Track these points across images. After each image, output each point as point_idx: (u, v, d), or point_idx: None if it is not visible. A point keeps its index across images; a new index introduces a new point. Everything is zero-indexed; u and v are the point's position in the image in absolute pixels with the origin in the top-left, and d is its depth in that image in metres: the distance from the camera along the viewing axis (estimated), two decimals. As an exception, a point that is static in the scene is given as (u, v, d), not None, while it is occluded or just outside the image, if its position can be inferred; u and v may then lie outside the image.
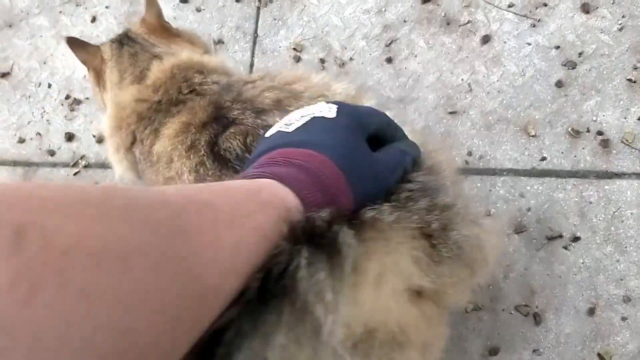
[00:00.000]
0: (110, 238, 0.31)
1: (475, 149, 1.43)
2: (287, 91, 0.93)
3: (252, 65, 1.60)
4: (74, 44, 1.14)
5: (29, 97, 1.71)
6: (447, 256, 0.61)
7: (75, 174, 1.60)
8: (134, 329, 0.31)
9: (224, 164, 0.88)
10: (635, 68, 1.38)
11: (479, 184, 1.40)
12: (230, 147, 0.88)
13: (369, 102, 0.95)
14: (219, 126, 0.91)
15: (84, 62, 1.16)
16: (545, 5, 1.48)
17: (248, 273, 0.40)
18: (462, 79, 1.48)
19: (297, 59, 1.58)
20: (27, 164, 1.65)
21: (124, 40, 1.11)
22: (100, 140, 1.62)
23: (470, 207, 0.73)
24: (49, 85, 1.70)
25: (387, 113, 0.64)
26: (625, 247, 1.28)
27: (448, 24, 1.53)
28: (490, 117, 1.44)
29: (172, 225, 0.36)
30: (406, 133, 0.66)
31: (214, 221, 0.39)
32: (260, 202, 0.44)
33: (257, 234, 0.42)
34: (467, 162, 1.42)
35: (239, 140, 0.87)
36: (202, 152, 0.90)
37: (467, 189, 1.39)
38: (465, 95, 1.47)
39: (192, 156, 0.90)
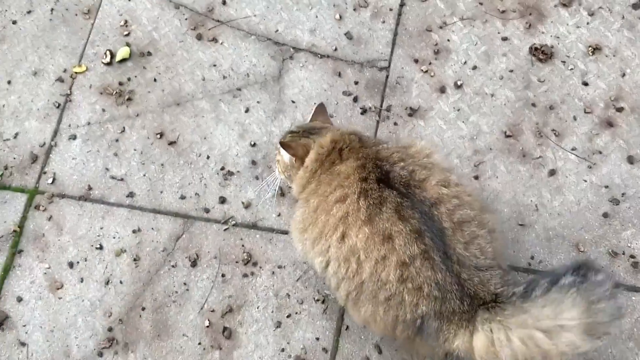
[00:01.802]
0: None
1: (536, 256, 1.91)
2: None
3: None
4: (286, 145, 1.64)
5: (191, 163, 2.21)
6: None
7: (225, 229, 2.09)
8: None
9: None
10: (663, 213, 1.89)
11: (537, 282, 1.88)
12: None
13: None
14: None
15: (294, 155, 1.65)
16: (600, 153, 1.99)
17: None
18: (531, 200, 1.98)
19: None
20: (186, 216, 2.14)
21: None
22: (246, 206, 2.11)
23: None
24: (208, 157, 2.21)
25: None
26: (643, 345, 1.77)
27: (524, 156, 2.03)
28: (550, 232, 1.93)
29: None
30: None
31: None
32: None
33: None
34: (529, 265, 1.91)
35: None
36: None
37: (527, 283, 1.88)
38: (532, 213, 1.96)
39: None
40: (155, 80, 2.33)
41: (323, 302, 1.94)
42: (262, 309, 1.97)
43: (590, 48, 2.11)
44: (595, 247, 1.88)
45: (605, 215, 1.91)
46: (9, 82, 2.38)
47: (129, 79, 2.34)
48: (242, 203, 2.10)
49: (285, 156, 1.71)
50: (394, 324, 1.44)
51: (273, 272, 2.00)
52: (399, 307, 1.39)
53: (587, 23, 2.15)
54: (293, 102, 2.21)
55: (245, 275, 2.01)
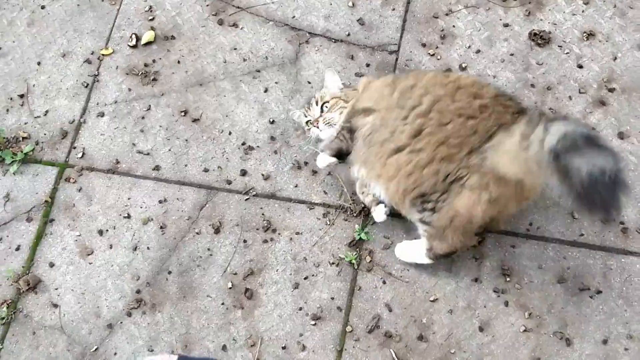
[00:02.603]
0: None
1: (534, 222, 2.08)
2: None
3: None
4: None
5: (213, 139, 2.36)
6: None
7: (246, 199, 2.25)
8: None
9: None
10: (650, 183, 2.06)
11: (535, 247, 2.05)
12: None
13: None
14: None
15: None
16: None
17: None
18: (531, 172, 2.14)
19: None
20: (209, 187, 2.29)
21: None
22: (266, 178, 2.27)
23: None
24: (230, 133, 2.36)
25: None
26: (632, 301, 1.94)
27: (524, 132, 2.19)
28: (547, 201, 2.10)
29: None
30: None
31: None
32: None
33: None
34: (528, 230, 2.08)
35: None
36: None
37: (524, 249, 2.05)
38: (531, 184, 2.13)
39: None
40: (179, 62, 2.48)
41: (337, 265, 2.10)
42: (281, 271, 2.12)
43: (584, 34, 2.28)
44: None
45: (597, 185, 2.07)
46: (38, 64, 2.53)
47: (154, 61, 2.50)
48: (262, 175, 2.26)
49: None
50: None
51: (291, 238, 2.16)
52: None
53: (582, 11, 2.32)
54: (309, 82, 2.37)
55: (265, 241, 2.17)
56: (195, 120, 2.37)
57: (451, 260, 2.05)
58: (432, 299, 2.01)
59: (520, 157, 1.51)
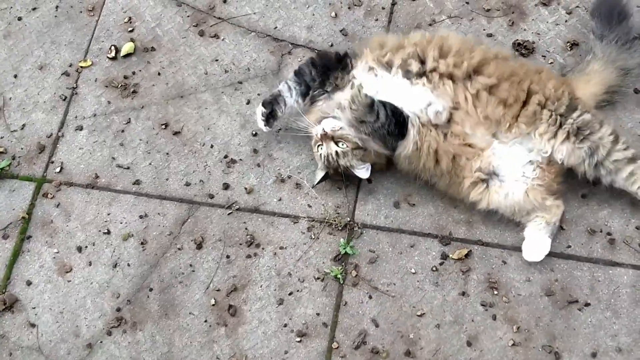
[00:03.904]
0: None
1: (521, 234, 2.05)
2: None
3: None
4: None
5: (195, 152, 2.32)
6: None
7: (229, 214, 2.21)
8: None
9: None
10: (636, 193, 2.04)
11: (522, 259, 2.02)
12: None
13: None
14: None
15: None
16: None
17: None
18: (516, 183, 2.12)
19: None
20: (191, 202, 2.24)
21: None
22: (249, 192, 2.22)
23: None
24: (211, 146, 2.32)
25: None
26: (620, 314, 1.91)
27: (509, 142, 2.17)
28: (534, 213, 2.07)
29: None
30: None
31: None
32: None
33: None
34: (515, 243, 2.05)
35: None
36: None
37: (512, 261, 2.02)
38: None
39: None
40: (159, 74, 2.44)
41: (323, 280, 2.06)
42: (265, 287, 2.08)
43: (568, 43, 2.27)
44: (574, 225, 2.03)
45: (583, 196, 2.06)
46: (15, 76, 2.48)
47: (133, 73, 2.45)
48: (245, 189, 2.22)
49: None
50: None
51: (275, 253, 2.12)
52: None
53: (565, 21, 2.32)
54: (291, 93, 2.33)
55: (248, 256, 2.12)
56: (176, 133, 2.33)
57: (438, 273, 2.02)
58: (419, 313, 1.98)
59: None
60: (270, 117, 2.08)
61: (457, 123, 1.89)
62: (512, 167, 1.91)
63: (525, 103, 1.88)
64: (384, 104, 1.88)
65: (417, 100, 1.91)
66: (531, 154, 1.90)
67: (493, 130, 1.89)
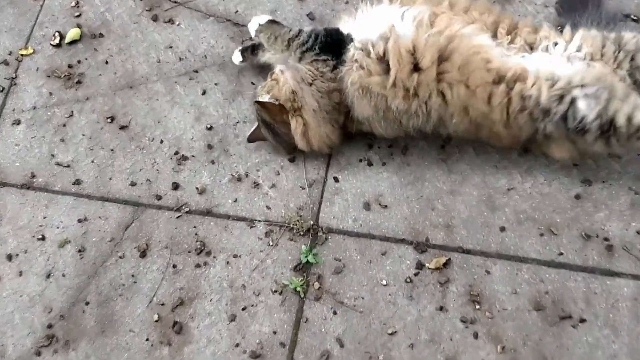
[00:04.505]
0: None
1: (508, 240, 1.81)
2: None
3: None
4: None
5: (143, 148, 2.07)
6: None
7: (177, 217, 1.95)
8: None
9: None
10: (637, 193, 1.79)
11: (508, 267, 1.77)
12: None
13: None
14: None
15: None
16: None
17: None
18: (502, 182, 1.87)
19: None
20: (136, 204, 1.99)
21: None
22: (201, 192, 1.97)
23: None
24: (161, 141, 2.07)
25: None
26: (620, 331, 1.66)
27: (493, 137, 1.93)
28: (521, 216, 1.83)
29: None
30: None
31: None
32: None
33: None
34: (499, 249, 1.80)
35: None
36: None
37: (496, 271, 1.77)
38: (502, 196, 1.86)
39: None
40: (107, 62, 2.20)
41: (281, 293, 1.81)
42: (216, 301, 1.82)
43: (558, 27, 2.03)
44: (567, 229, 1.78)
45: (577, 196, 1.82)
46: (-52, 66, 2.23)
47: (79, 62, 2.21)
48: (197, 189, 1.97)
49: None
50: None
51: (228, 262, 1.86)
52: None
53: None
54: (253, 83, 2.10)
55: (198, 266, 1.87)
56: (123, 128, 2.08)
57: (412, 285, 1.77)
58: (390, 331, 1.72)
59: None
60: (253, 49, 2.01)
61: None
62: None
63: None
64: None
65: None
66: None
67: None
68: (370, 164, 1.95)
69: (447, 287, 1.76)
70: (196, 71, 2.14)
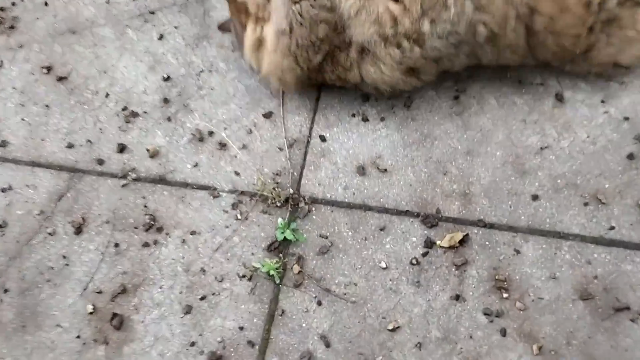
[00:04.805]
0: None
1: (542, 211, 1.40)
2: None
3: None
4: None
5: (84, 104, 1.67)
6: None
7: (123, 185, 1.55)
8: None
9: None
10: None
11: (544, 246, 1.37)
12: None
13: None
14: None
15: None
16: (621, 82, 1.50)
17: None
18: (532, 140, 1.47)
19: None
20: (73, 169, 1.59)
21: None
22: (153, 155, 1.57)
23: None
24: (107, 95, 1.67)
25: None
26: (696, 327, 1.25)
27: (520, 82, 1.54)
28: (558, 181, 1.43)
29: None
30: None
31: None
32: None
33: None
34: (530, 222, 1.39)
35: None
36: None
37: (528, 250, 1.36)
38: (533, 157, 1.46)
39: None
40: (46, 4, 1.82)
41: (250, 278, 1.40)
42: (167, 288, 1.42)
43: None
44: (620, 198, 1.39)
45: (630, 156, 1.42)
46: None
47: (13, 4, 1.84)
48: (147, 151, 1.57)
49: None
50: None
51: (184, 240, 1.46)
52: None
53: None
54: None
55: (146, 245, 1.46)
56: (61, 79, 1.69)
57: (419, 268, 1.36)
58: (390, 327, 1.31)
59: None
60: None
61: None
62: None
63: None
64: None
65: None
66: None
67: None
68: (365, 119, 1.55)
69: (465, 270, 1.36)
70: (153, 12, 1.76)
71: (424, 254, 1.39)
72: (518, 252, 1.37)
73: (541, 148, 1.47)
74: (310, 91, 1.57)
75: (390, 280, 1.38)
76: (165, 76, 1.67)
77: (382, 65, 1.39)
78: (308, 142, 1.54)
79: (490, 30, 1.32)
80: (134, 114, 1.63)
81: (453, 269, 1.37)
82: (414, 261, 1.39)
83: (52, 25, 1.79)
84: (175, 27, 1.73)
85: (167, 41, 1.72)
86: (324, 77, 1.45)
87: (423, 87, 1.52)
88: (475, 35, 1.33)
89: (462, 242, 1.39)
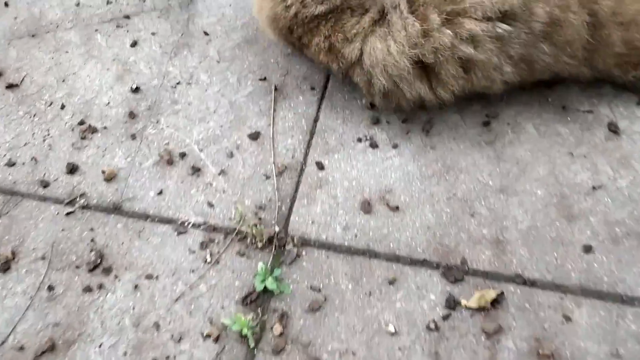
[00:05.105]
0: None
1: (598, 266, 1.09)
2: None
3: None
4: None
5: (34, 115, 1.39)
6: None
7: (68, 213, 1.24)
8: None
9: None
10: None
11: (602, 312, 1.04)
12: None
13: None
14: None
15: None
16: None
17: None
18: (582, 178, 1.18)
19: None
20: (10, 192, 1.29)
21: None
22: (109, 178, 1.27)
23: None
24: (62, 106, 1.39)
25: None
26: None
27: (563, 108, 1.26)
28: (616, 229, 1.12)
29: None
30: None
31: None
32: None
33: None
34: (583, 282, 1.08)
35: None
36: None
37: (581, 316, 1.04)
38: (584, 198, 1.16)
39: None
40: (6, 4, 1.56)
41: (217, 339, 1.07)
42: (109, 347, 1.08)
43: None
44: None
45: None
46: None
47: (-32, 3, 1.57)
48: (103, 173, 1.27)
49: None
50: None
51: (136, 286, 1.13)
52: None
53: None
54: (206, 33, 1.45)
55: (88, 290, 1.14)
56: (11, 87, 1.42)
57: (439, 335, 1.03)
58: (399, 413, 0.97)
59: None
60: None
61: None
62: None
63: None
64: None
65: None
66: None
67: None
68: (374, 144, 1.26)
69: (499, 340, 1.03)
70: (127, 17, 1.51)
71: (445, 317, 1.06)
72: (568, 319, 1.04)
73: (593, 187, 1.17)
74: (306, 109, 1.29)
75: (400, 349, 1.04)
76: (134, 87, 1.40)
77: (392, 42, 1.11)
78: (302, 169, 1.25)
79: (549, 15, 1.05)
80: (92, 129, 1.34)
81: (483, 338, 1.04)
82: (432, 325, 1.06)
83: (11, 27, 1.54)
84: (153, 34, 1.47)
85: (141, 48, 1.45)
86: (309, 41, 1.17)
87: (444, 108, 1.23)
88: (532, 20, 1.05)
89: (495, 302, 1.07)
